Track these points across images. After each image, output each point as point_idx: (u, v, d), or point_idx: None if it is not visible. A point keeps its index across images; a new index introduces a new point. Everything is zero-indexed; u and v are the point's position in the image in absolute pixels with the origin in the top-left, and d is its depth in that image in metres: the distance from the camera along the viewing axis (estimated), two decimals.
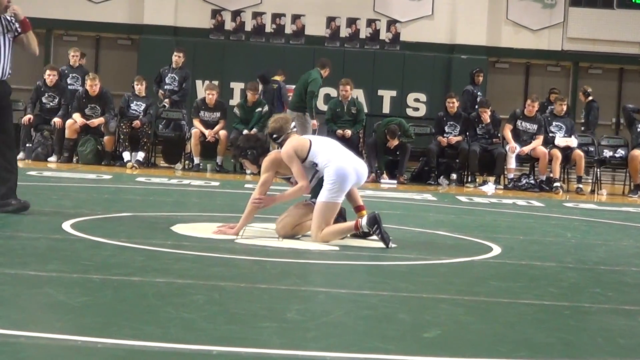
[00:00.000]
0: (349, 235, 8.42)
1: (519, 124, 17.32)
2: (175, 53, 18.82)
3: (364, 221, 8.09)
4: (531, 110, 17.38)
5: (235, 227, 8.33)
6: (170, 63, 18.81)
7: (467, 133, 17.63)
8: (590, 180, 18.07)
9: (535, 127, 17.33)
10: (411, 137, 17.46)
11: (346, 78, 18.20)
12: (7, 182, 9.06)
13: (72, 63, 18.95)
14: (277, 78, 19.78)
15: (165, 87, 18.66)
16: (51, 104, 17.72)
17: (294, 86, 19.49)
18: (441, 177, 17.45)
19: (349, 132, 17.42)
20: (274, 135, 8.65)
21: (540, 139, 17.24)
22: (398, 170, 17.31)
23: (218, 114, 17.45)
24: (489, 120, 17.41)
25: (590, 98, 20.22)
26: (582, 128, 19.79)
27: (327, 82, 18.40)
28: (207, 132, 17.15)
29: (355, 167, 8.39)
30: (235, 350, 4.34)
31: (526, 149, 17.10)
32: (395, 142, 17.01)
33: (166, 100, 18.36)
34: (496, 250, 8.43)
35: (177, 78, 18.66)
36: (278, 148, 8.56)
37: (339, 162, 8.27)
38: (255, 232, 8.62)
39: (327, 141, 8.74)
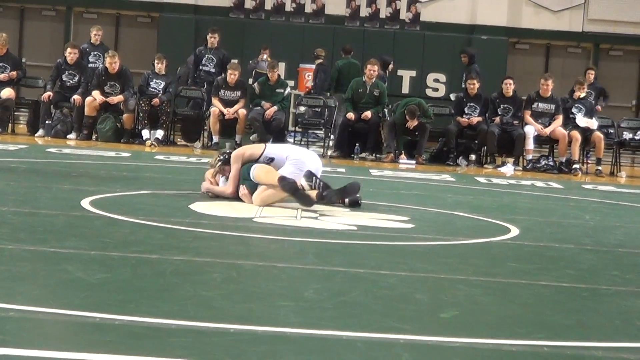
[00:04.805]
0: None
1: (536, 106, 17.22)
2: (210, 34, 18.67)
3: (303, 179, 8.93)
4: (546, 90, 17.27)
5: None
6: (205, 43, 18.71)
7: (487, 114, 17.55)
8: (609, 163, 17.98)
9: (552, 106, 17.22)
10: (430, 118, 17.39)
11: (374, 58, 18.12)
12: None
13: (94, 41, 18.92)
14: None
15: (201, 67, 18.60)
16: (71, 81, 17.73)
17: (310, 65, 19.58)
18: (460, 158, 17.39)
19: (368, 114, 17.30)
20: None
21: (559, 118, 17.12)
22: (417, 150, 17.25)
23: (238, 93, 17.42)
24: (511, 94, 17.31)
25: (319, 61, 19.46)
26: (312, 91, 19.15)
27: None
28: (226, 110, 17.15)
29: (313, 159, 9.31)
30: (252, 328, 4.35)
31: (547, 130, 16.99)
32: (415, 123, 16.94)
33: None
34: (514, 231, 8.41)
35: (214, 59, 18.57)
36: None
37: (298, 156, 9.22)
38: (274, 211, 8.65)
39: (282, 145, 9.92)
